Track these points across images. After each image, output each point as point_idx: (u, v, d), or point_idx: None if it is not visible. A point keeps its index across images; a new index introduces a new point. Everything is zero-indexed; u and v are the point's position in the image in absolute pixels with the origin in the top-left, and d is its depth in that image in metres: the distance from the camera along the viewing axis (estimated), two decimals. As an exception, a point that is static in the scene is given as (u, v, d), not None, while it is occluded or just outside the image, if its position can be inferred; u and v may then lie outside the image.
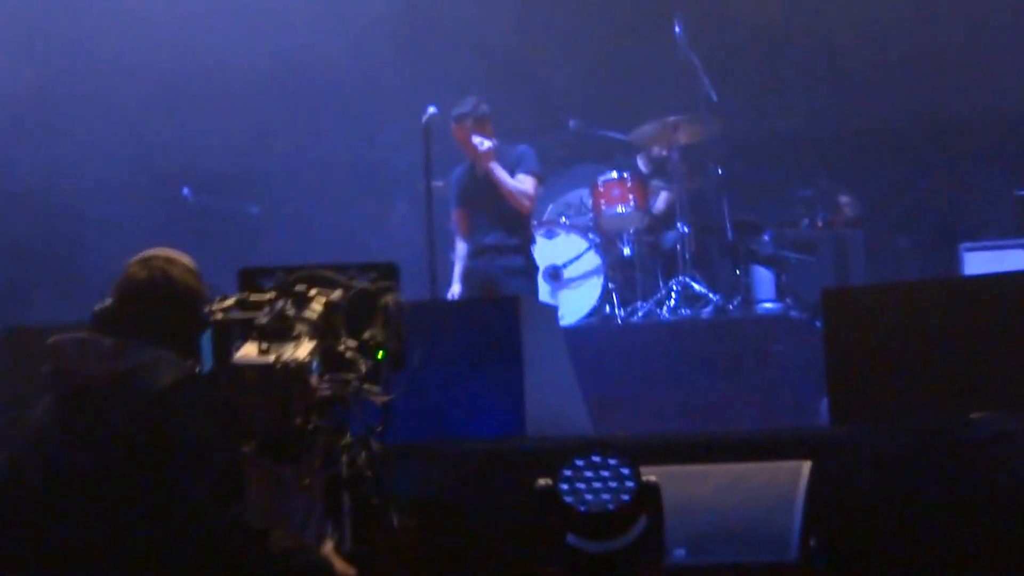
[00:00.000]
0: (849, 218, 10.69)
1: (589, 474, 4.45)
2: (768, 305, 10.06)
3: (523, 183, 9.29)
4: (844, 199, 10.72)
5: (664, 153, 10.42)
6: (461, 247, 9.55)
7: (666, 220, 10.35)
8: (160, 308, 4.04)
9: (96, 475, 3.81)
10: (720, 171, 10.52)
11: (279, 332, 3.90)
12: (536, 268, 9.46)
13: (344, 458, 4.12)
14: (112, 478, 3.80)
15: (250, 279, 4.32)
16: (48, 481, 3.86)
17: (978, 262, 9.15)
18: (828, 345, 6.15)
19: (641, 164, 10.69)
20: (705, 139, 10.42)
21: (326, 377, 3.95)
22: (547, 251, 10.02)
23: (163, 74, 11.32)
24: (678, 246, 10.03)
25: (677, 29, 10.37)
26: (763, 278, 10.22)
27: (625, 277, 10.22)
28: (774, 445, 5.30)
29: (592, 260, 10.11)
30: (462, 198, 9.53)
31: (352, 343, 4.11)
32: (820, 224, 10.56)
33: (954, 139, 11.37)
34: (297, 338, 3.90)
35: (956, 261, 9.43)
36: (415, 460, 5.61)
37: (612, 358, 8.97)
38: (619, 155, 10.90)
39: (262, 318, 3.95)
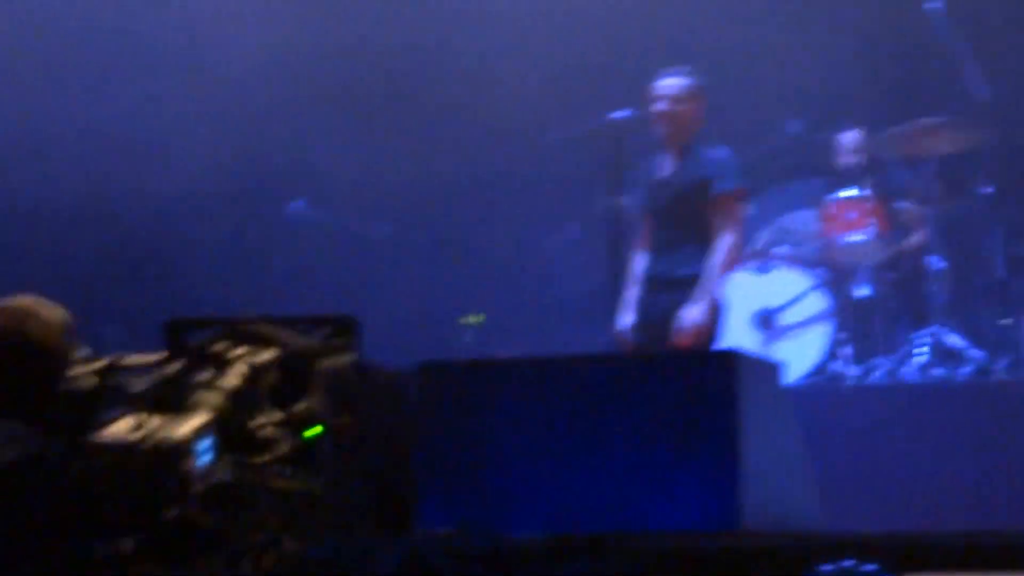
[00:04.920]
0: None
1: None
2: (1047, 365, 9.72)
3: (726, 214, 8.86)
4: None
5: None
6: (639, 262, 9.15)
7: (917, 253, 10.11)
8: (8, 370, 4.22)
9: None
10: (991, 190, 10.23)
11: (164, 403, 3.85)
12: (720, 309, 8.97)
13: (248, 562, 3.96)
14: None
15: (176, 333, 4.21)
16: None
17: None
18: None
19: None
20: (972, 149, 10.14)
21: (225, 459, 3.84)
22: (758, 290, 9.89)
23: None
24: (932, 286, 9.85)
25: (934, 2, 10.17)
26: (1043, 330, 9.87)
27: (861, 325, 10.00)
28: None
29: (817, 303, 9.96)
30: (646, 203, 9.15)
31: (275, 417, 4.00)
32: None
33: None
34: (190, 410, 3.81)
35: None
36: (586, 559, 5.53)
37: (842, 430, 8.86)
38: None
39: (138, 385, 3.95)
